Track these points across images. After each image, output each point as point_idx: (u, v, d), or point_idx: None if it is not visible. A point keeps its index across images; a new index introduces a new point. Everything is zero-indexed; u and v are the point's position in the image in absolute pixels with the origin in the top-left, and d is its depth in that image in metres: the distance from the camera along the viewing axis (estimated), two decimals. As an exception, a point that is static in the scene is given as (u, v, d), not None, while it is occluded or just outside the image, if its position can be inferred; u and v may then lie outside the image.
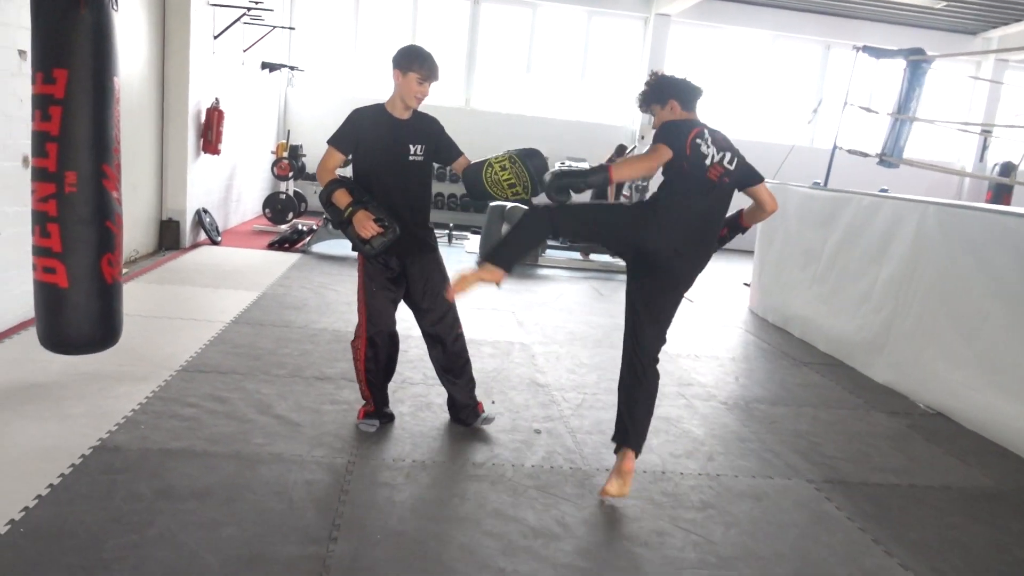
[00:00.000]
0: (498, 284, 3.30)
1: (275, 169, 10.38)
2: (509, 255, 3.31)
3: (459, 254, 9.73)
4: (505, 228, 9.19)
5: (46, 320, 3.70)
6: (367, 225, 3.35)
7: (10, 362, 4.19)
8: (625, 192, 10.18)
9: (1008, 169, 12.29)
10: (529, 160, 3.40)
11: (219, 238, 8.79)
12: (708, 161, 3.10)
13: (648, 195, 3.66)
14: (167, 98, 7.82)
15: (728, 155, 3.16)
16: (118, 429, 3.44)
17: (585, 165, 10.10)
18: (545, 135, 12.37)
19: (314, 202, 8.06)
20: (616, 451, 3.29)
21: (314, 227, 9.23)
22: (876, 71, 9.89)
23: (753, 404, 4.75)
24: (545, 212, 3.17)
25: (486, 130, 12.32)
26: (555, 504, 3.18)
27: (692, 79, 3.32)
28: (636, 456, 3.26)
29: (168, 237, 7.99)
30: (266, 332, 5.23)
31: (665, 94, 3.26)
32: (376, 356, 3.66)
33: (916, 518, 3.39)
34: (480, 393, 4.36)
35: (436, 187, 12.40)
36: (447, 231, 10.69)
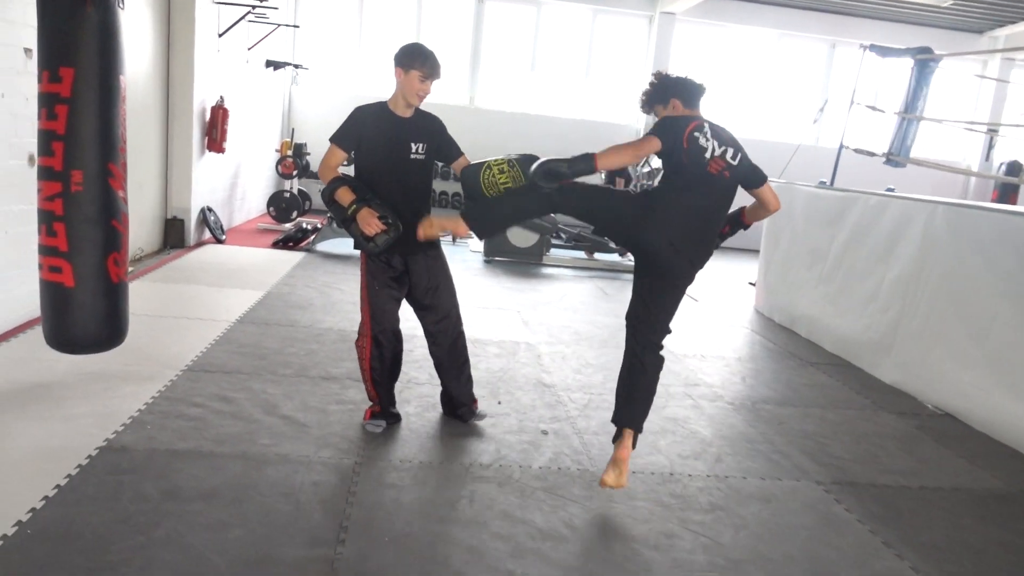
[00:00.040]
0: (460, 238, 3.27)
1: (279, 167, 10.38)
2: (485, 217, 3.31)
3: (463, 253, 9.71)
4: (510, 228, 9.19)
5: (52, 319, 3.69)
6: (371, 222, 3.34)
7: (16, 361, 4.18)
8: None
9: (1014, 168, 12.25)
10: (528, 165, 3.37)
11: (223, 236, 8.78)
12: (708, 154, 3.08)
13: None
14: (172, 96, 7.81)
15: (731, 151, 3.14)
16: (124, 429, 3.43)
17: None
18: (549, 134, 12.35)
19: (318, 200, 8.05)
20: (614, 440, 3.30)
21: (318, 225, 9.22)
22: (882, 70, 9.87)
23: (760, 405, 4.73)
24: (554, 181, 3.11)
25: (490, 129, 12.30)
26: (563, 506, 3.16)
27: (694, 77, 3.31)
28: (635, 439, 3.27)
29: (173, 235, 7.99)
30: (271, 332, 5.22)
31: (667, 93, 3.27)
32: (381, 355, 3.65)
33: (926, 520, 3.36)
34: (486, 393, 4.36)
35: (439, 185, 12.36)
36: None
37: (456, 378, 3.85)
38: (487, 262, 9.18)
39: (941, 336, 4.97)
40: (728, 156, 3.13)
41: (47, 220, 3.56)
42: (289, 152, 10.38)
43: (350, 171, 3.61)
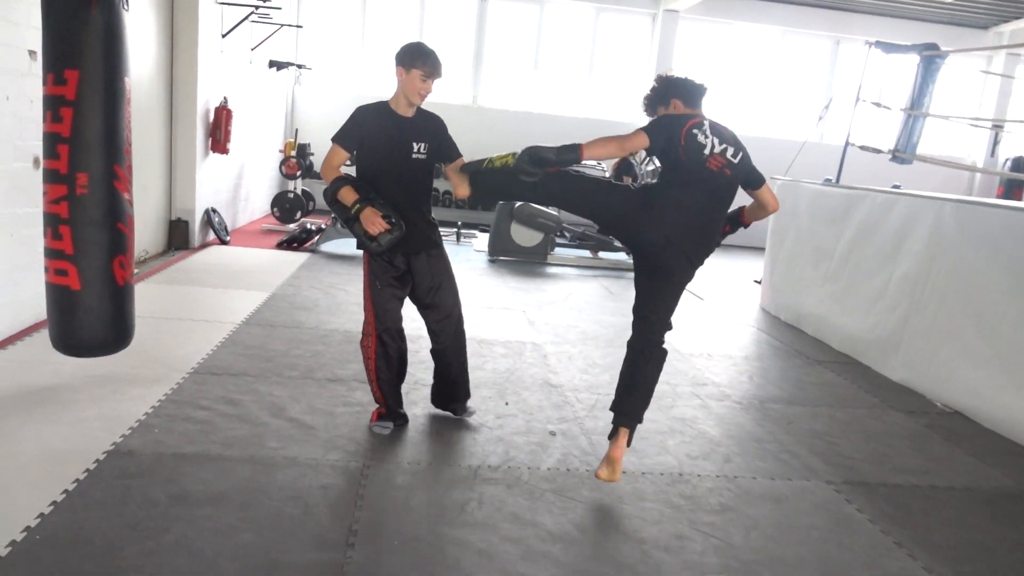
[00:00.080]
0: (458, 197, 3.48)
1: (283, 168, 10.37)
2: (482, 179, 3.41)
3: (467, 252, 9.69)
4: (514, 228, 9.18)
5: (58, 322, 3.68)
6: (375, 221, 3.34)
7: (23, 364, 4.17)
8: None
9: (1020, 164, 12.21)
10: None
11: (228, 238, 8.77)
12: (707, 151, 3.09)
13: None
14: (176, 97, 7.80)
15: (731, 149, 3.15)
16: (132, 433, 3.42)
17: (591, 163, 10.07)
18: (553, 132, 12.24)
19: (322, 201, 8.09)
20: (610, 437, 3.33)
21: (322, 226, 9.21)
22: (887, 66, 9.82)
23: (768, 404, 4.70)
24: (540, 167, 3.14)
25: (493, 128, 12.28)
26: (572, 507, 3.14)
27: (694, 77, 3.34)
28: (630, 437, 3.31)
29: (177, 237, 7.98)
30: (277, 333, 5.21)
31: (667, 95, 3.30)
32: (386, 353, 3.64)
33: (938, 520, 3.34)
34: (493, 394, 4.36)
35: (445, 185, 12.36)
36: (455, 229, 10.67)
37: (456, 374, 3.87)
38: (491, 261, 9.16)
39: (950, 334, 4.95)
40: (728, 154, 3.14)
41: (53, 223, 3.55)
42: (293, 153, 10.38)
43: (351, 171, 3.61)
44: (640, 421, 3.37)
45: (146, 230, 7.26)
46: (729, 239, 3.62)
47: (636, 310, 3.35)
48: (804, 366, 5.67)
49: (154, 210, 7.58)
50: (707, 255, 3.27)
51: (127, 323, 3.82)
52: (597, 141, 3.11)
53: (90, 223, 3.55)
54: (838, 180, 7.84)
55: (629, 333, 3.39)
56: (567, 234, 9.97)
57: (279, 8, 9.45)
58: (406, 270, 3.61)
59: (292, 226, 10.07)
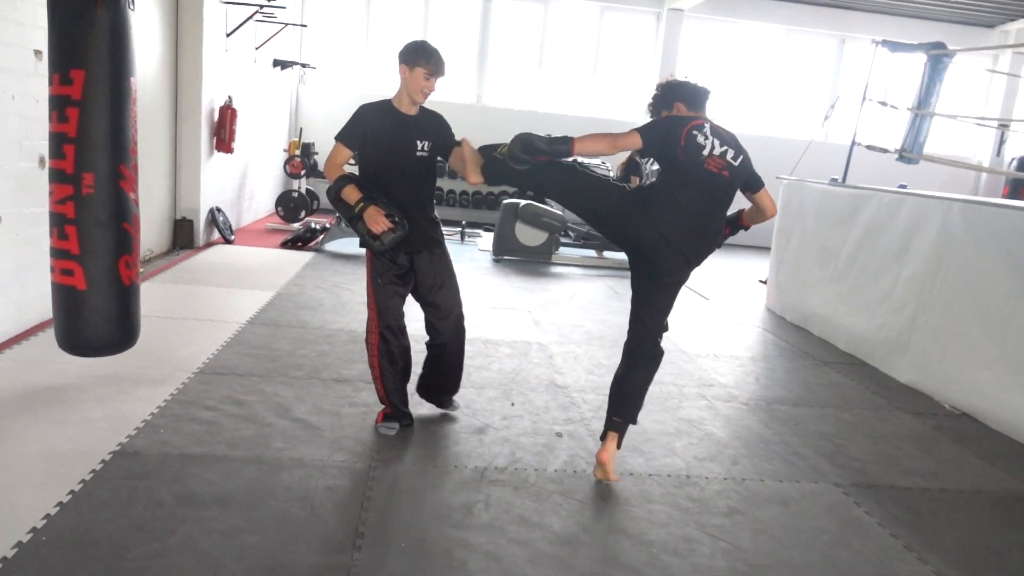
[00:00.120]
0: (472, 184, 3.52)
1: (287, 167, 10.36)
2: (491, 156, 3.41)
3: (472, 252, 9.68)
4: (519, 227, 9.15)
5: (64, 322, 3.68)
6: (378, 220, 3.35)
7: (28, 364, 4.17)
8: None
9: (1026, 163, 12.15)
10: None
11: (232, 237, 8.77)
12: (706, 152, 3.12)
13: None
14: (180, 97, 7.79)
15: (732, 151, 3.18)
16: (137, 433, 3.41)
17: (596, 161, 10.05)
18: (556, 132, 12.20)
19: (326, 200, 8.09)
20: (601, 437, 3.38)
21: (327, 225, 9.20)
22: (893, 65, 9.77)
23: (775, 405, 4.68)
24: (530, 154, 3.16)
25: (497, 127, 12.15)
26: (580, 510, 3.13)
27: (698, 80, 3.37)
28: (620, 440, 3.36)
29: (182, 236, 7.98)
30: (282, 333, 5.20)
31: (670, 98, 3.34)
32: (389, 350, 3.64)
33: (948, 523, 3.32)
34: (499, 394, 4.35)
35: (448, 184, 12.35)
36: (460, 229, 10.65)
37: (451, 369, 3.89)
38: (496, 261, 9.15)
39: (958, 335, 4.92)
40: (728, 156, 3.17)
41: (59, 223, 3.54)
42: (297, 152, 10.36)
43: (354, 169, 3.60)
44: (633, 423, 3.42)
45: (151, 229, 7.26)
46: (733, 238, 3.64)
47: (632, 312, 3.37)
48: (811, 367, 5.65)
49: (159, 209, 7.57)
50: (705, 256, 3.28)
51: (133, 323, 3.82)
52: (589, 136, 3.18)
53: (96, 223, 3.54)
54: (844, 180, 7.80)
55: (634, 333, 3.39)
56: (572, 233, 9.95)
57: (283, 7, 9.44)
58: (409, 268, 3.62)
59: (296, 225, 10.07)
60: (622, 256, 9.69)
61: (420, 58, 3.42)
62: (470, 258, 9.18)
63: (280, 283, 6.75)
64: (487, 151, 3.46)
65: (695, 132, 3.12)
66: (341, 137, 3.52)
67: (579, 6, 13.10)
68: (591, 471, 3.47)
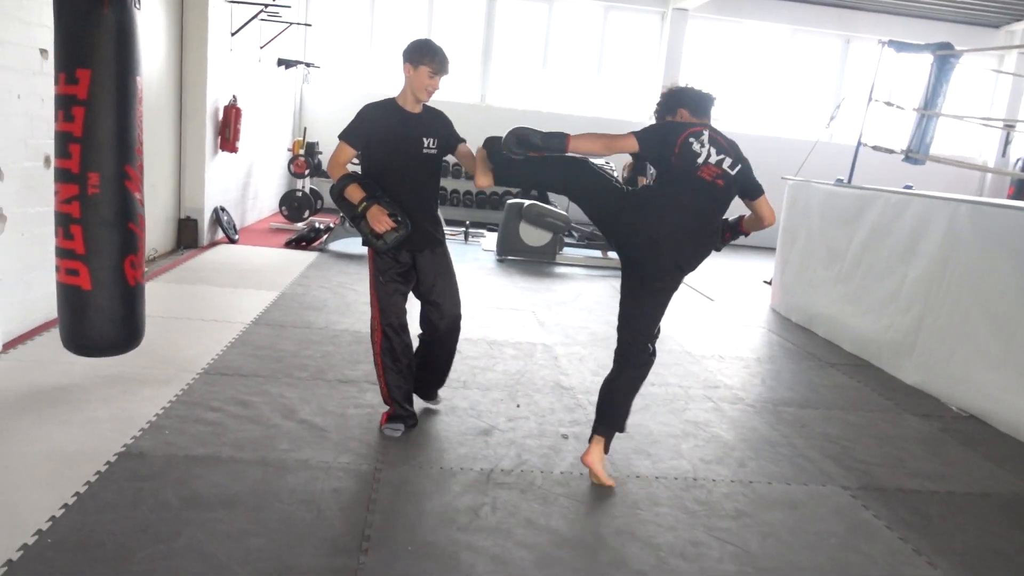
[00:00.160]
0: (479, 187, 3.50)
1: (291, 167, 10.35)
2: (497, 147, 3.40)
3: (476, 252, 9.66)
4: (523, 227, 9.14)
5: (69, 322, 3.67)
6: (382, 219, 3.35)
7: (33, 364, 4.16)
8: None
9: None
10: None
11: (236, 236, 8.76)
12: (701, 160, 3.13)
13: None
14: (185, 96, 7.78)
15: (729, 160, 3.18)
16: (142, 434, 3.40)
17: (600, 162, 10.03)
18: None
19: (330, 199, 8.08)
20: (589, 440, 3.38)
21: (331, 225, 9.19)
22: (898, 65, 9.74)
23: (781, 407, 4.66)
24: (524, 148, 3.18)
25: (501, 126, 11.99)
26: (587, 512, 3.11)
27: (702, 87, 3.38)
28: (607, 445, 3.36)
29: (186, 236, 7.97)
30: (287, 333, 5.19)
31: (673, 104, 3.37)
32: (391, 348, 3.64)
33: (956, 526, 3.30)
34: (505, 396, 4.34)
35: (452, 184, 12.34)
36: (464, 229, 10.63)
37: (441, 364, 3.91)
38: (500, 261, 9.13)
39: (965, 336, 4.90)
40: (725, 165, 3.17)
41: (64, 223, 3.53)
42: (301, 151, 10.36)
43: (358, 168, 3.60)
44: (620, 430, 3.42)
45: (155, 229, 7.25)
46: (738, 239, 3.62)
47: (621, 316, 3.37)
48: (816, 368, 5.63)
49: (163, 209, 7.57)
50: (699, 262, 3.28)
51: (138, 323, 3.80)
52: (585, 135, 3.20)
53: (101, 223, 3.53)
54: (850, 180, 7.78)
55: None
56: (576, 234, 9.93)
57: (288, 6, 9.43)
58: (411, 266, 3.63)
59: (300, 225, 10.06)
60: (626, 256, 9.70)
61: (424, 56, 3.42)
62: (474, 258, 9.16)
63: (284, 283, 6.74)
64: (493, 145, 3.42)
65: (691, 140, 3.13)
66: (345, 136, 3.52)
67: (583, 5, 13.08)
68: (597, 473, 3.46)
